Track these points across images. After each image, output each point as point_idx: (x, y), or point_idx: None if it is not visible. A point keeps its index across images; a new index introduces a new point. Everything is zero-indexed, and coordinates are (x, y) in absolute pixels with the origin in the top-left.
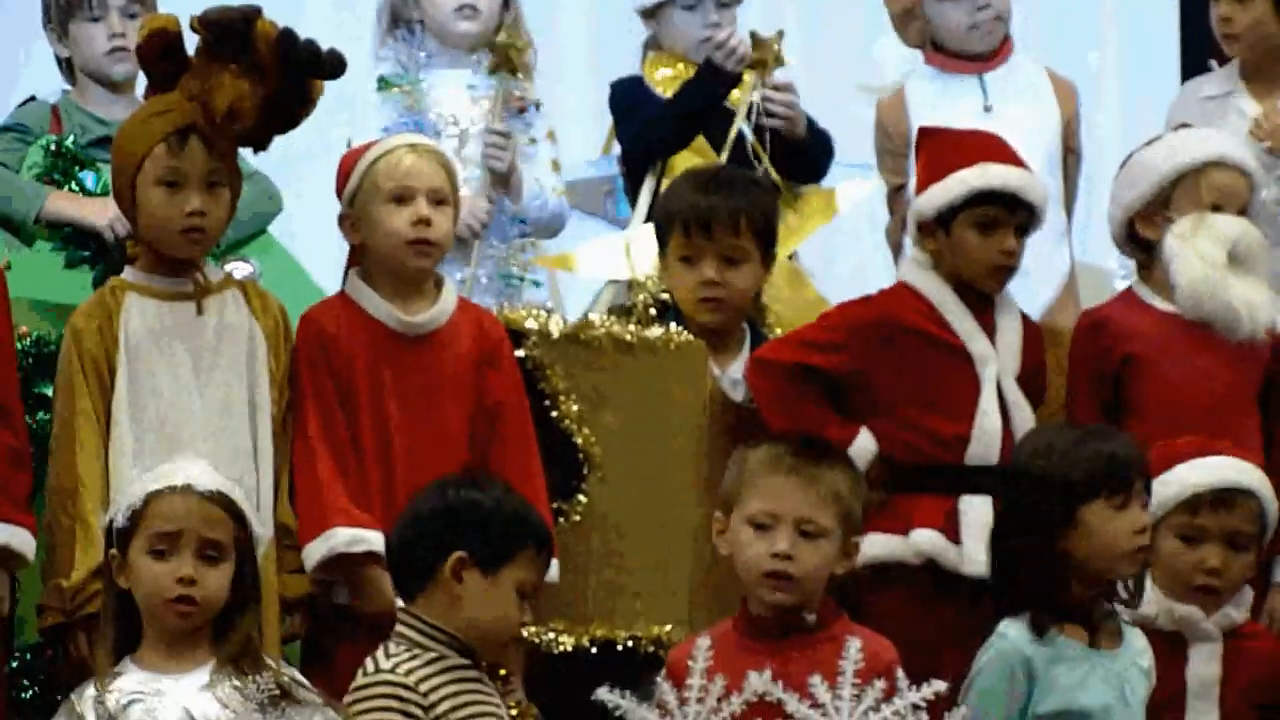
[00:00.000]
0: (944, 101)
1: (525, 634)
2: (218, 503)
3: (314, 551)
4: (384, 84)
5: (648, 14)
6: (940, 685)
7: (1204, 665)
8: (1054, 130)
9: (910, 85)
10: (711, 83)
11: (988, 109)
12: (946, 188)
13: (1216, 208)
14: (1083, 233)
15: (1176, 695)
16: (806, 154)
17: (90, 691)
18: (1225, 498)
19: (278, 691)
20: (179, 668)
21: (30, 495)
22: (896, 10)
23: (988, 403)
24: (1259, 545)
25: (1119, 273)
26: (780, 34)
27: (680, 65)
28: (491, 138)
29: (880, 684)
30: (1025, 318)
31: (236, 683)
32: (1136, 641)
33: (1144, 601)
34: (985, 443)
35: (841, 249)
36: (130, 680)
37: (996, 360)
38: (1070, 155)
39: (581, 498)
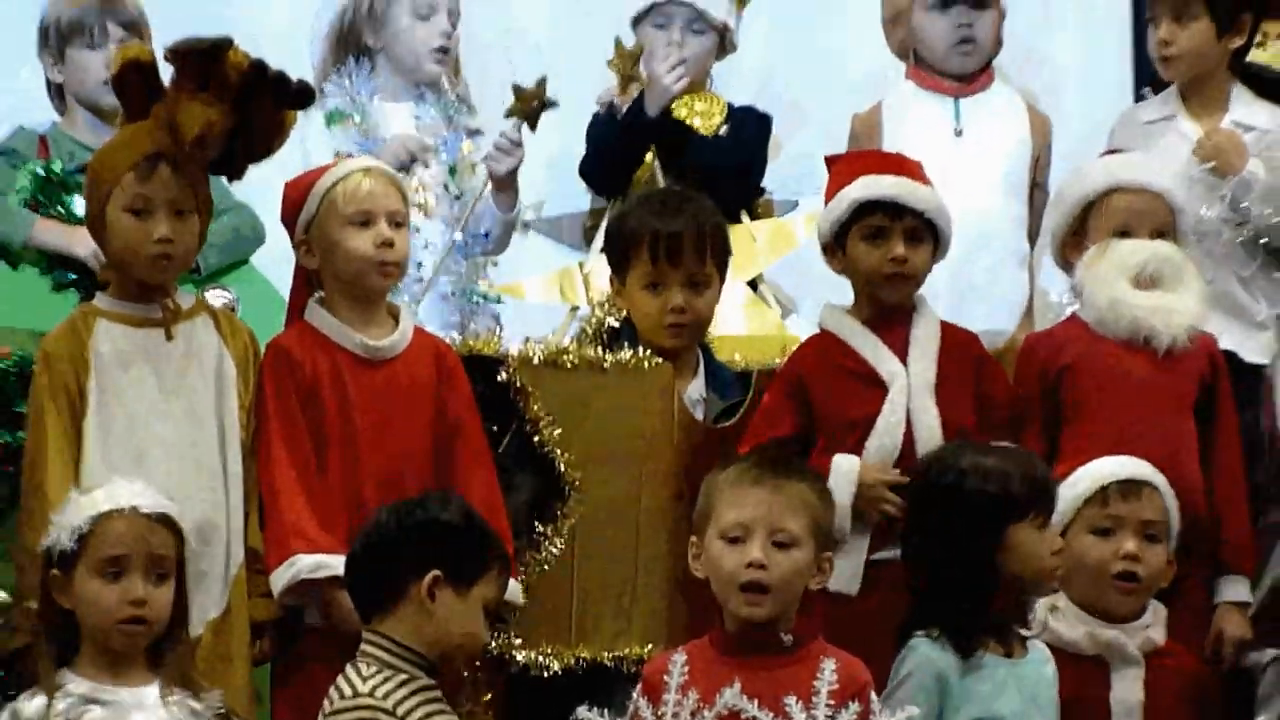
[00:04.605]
0: (916, 120)
1: (517, 660)
2: (162, 523)
3: (279, 578)
4: (335, 117)
5: (636, 22)
6: (914, 710)
7: (1127, 689)
8: (1023, 160)
9: (886, 102)
10: (637, 111)
11: (958, 133)
12: (834, 206)
13: (1125, 231)
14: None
15: (1100, 718)
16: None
17: (39, 700)
18: (1132, 488)
19: (224, 711)
20: (118, 681)
21: None
22: (888, 14)
23: (884, 422)
24: (1168, 544)
25: (1062, 300)
26: (542, 80)
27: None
28: (501, 140)
29: (855, 706)
30: (951, 329)
31: (191, 701)
32: (1041, 650)
33: (1062, 625)
34: (882, 455)
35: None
36: (78, 688)
37: (906, 375)
38: (1037, 189)
39: (566, 521)
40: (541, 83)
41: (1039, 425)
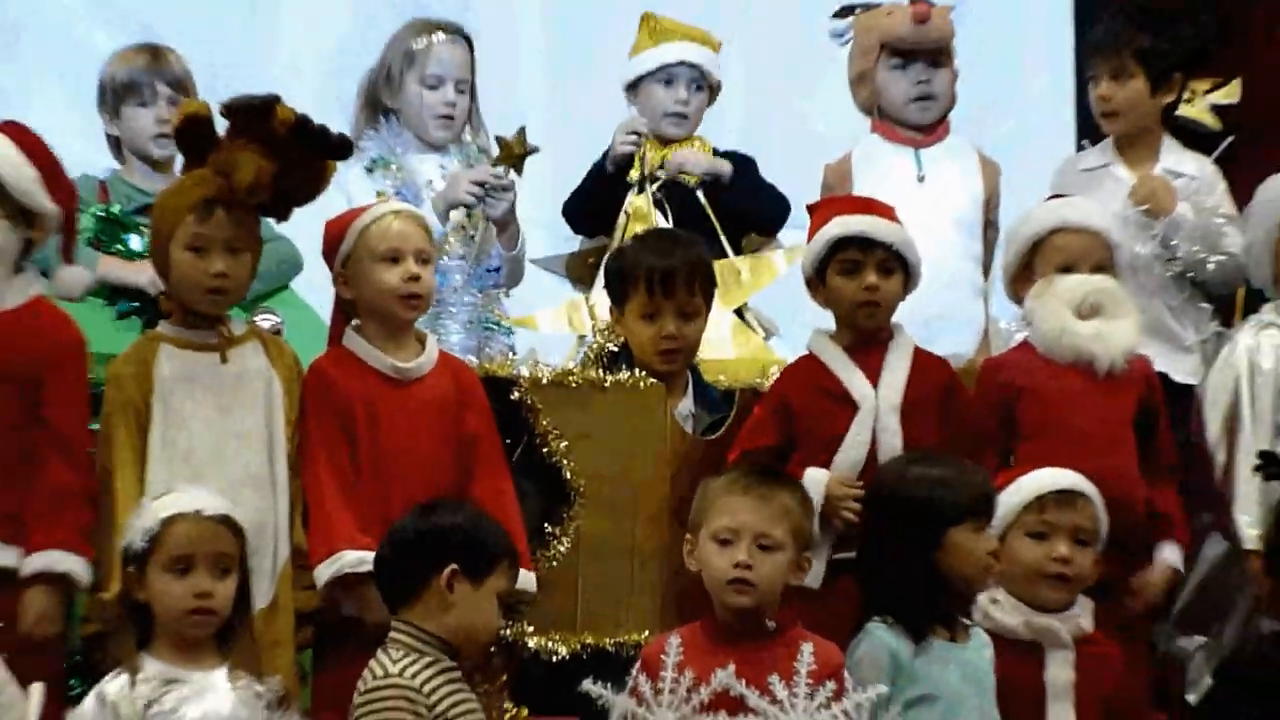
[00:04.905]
0: (882, 169)
1: (529, 646)
2: (224, 524)
3: (323, 572)
4: (376, 164)
5: (632, 88)
6: (883, 689)
7: (1060, 670)
8: (977, 202)
9: (855, 153)
10: (600, 168)
11: (920, 179)
12: (814, 245)
13: (1068, 267)
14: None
15: (1037, 699)
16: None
17: (121, 679)
18: (1067, 498)
19: (283, 694)
20: (190, 665)
21: (89, 529)
22: (854, 74)
23: (851, 438)
24: (1096, 547)
25: (1016, 331)
26: (521, 129)
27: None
28: (496, 185)
29: (831, 685)
30: (923, 354)
31: (255, 685)
32: (981, 636)
33: (1003, 614)
34: (847, 468)
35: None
36: (153, 670)
37: (875, 398)
38: (990, 227)
39: (572, 523)
40: (521, 131)
41: (995, 440)
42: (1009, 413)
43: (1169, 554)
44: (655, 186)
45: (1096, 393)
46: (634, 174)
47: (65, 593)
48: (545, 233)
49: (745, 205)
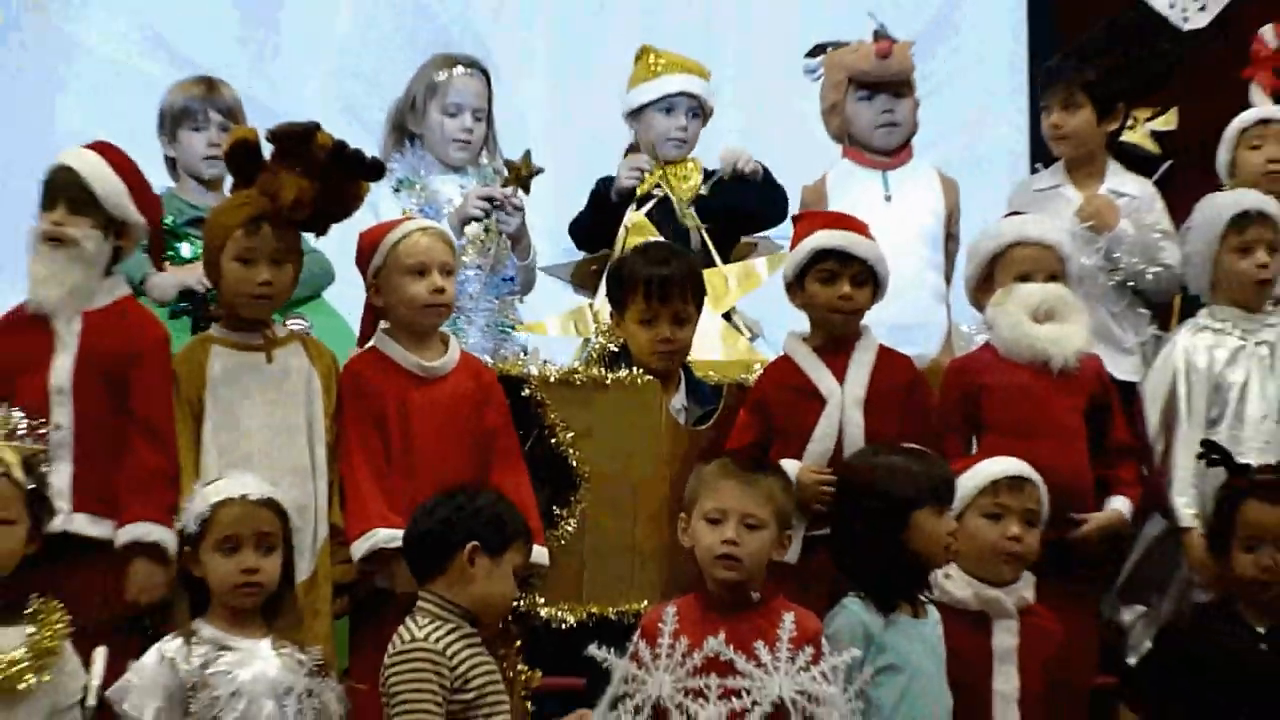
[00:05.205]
0: (854, 190)
1: (540, 615)
2: (267, 506)
3: (359, 548)
4: (403, 185)
5: (633, 115)
6: (856, 652)
7: (1005, 637)
8: (939, 218)
9: (830, 175)
10: (604, 196)
11: (888, 198)
12: (796, 254)
13: (1025, 276)
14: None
15: (985, 663)
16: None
17: (178, 641)
18: (1018, 483)
19: (323, 663)
20: (239, 633)
21: (174, 506)
22: (825, 106)
23: (819, 430)
24: (1040, 527)
25: (976, 334)
26: (527, 152)
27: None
28: (507, 205)
29: (809, 650)
30: (887, 353)
31: (299, 655)
32: (935, 613)
33: (954, 587)
34: (817, 457)
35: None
36: (207, 635)
37: (841, 393)
38: (950, 240)
39: (578, 505)
40: (527, 154)
41: (959, 431)
42: (973, 407)
43: (1118, 502)
44: (651, 205)
45: (1052, 389)
46: (641, 189)
47: (161, 563)
48: (547, 241)
49: (757, 204)
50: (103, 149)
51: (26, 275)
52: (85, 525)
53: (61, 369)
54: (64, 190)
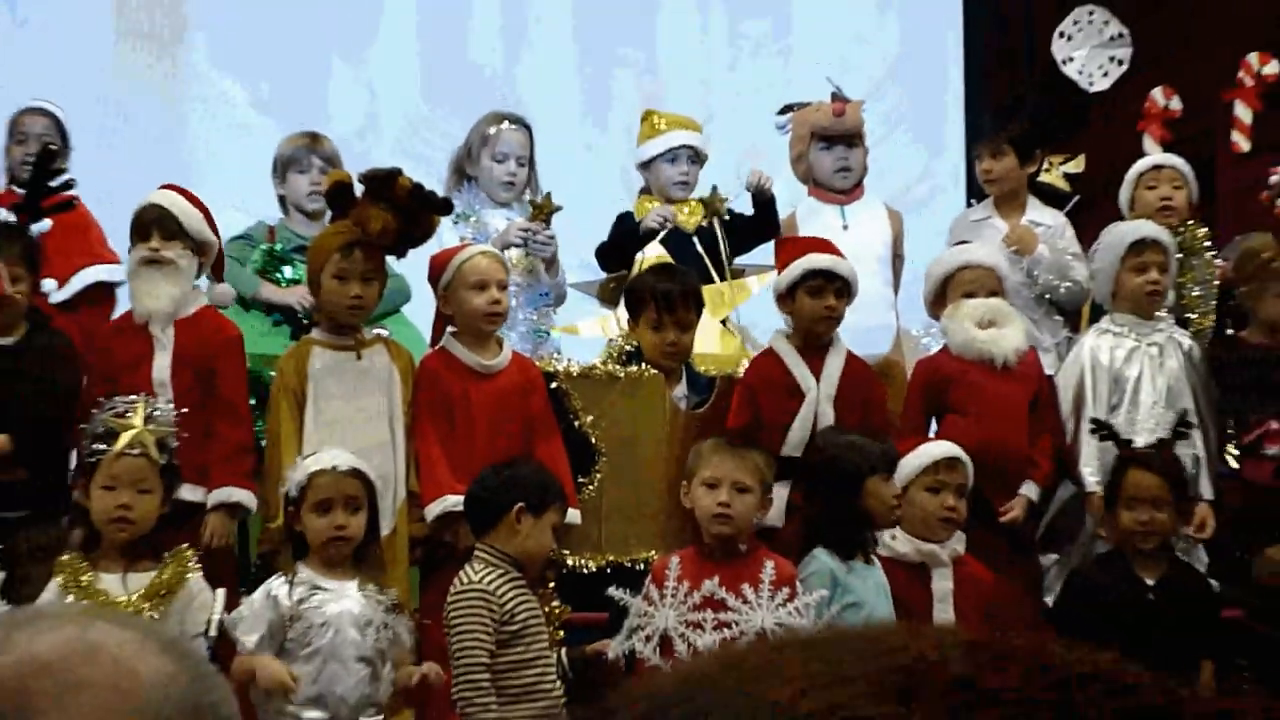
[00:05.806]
0: (818, 221)
1: (568, 563)
2: (354, 475)
3: (432, 510)
4: (461, 217)
5: (644, 166)
6: (824, 593)
7: (941, 583)
8: (887, 242)
9: (799, 210)
10: (631, 230)
11: (845, 227)
12: (789, 271)
13: (970, 293)
14: (906, 307)
15: (926, 605)
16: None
17: (282, 580)
18: (953, 462)
19: (398, 602)
20: (332, 577)
21: (254, 471)
22: (793, 156)
23: (798, 420)
24: (967, 499)
25: (923, 337)
26: (548, 194)
27: (657, 203)
28: (540, 236)
29: (786, 590)
30: (853, 358)
31: (378, 595)
32: (878, 564)
33: (899, 545)
34: (794, 443)
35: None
36: (305, 576)
37: (817, 389)
38: (897, 259)
39: (596, 474)
40: (548, 196)
41: (921, 419)
42: (936, 394)
43: (1026, 488)
44: (664, 234)
45: (999, 381)
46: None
47: (235, 518)
48: (575, 261)
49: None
50: (176, 189)
51: (129, 293)
52: (185, 492)
53: (162, 366)
54: (156, 222)
